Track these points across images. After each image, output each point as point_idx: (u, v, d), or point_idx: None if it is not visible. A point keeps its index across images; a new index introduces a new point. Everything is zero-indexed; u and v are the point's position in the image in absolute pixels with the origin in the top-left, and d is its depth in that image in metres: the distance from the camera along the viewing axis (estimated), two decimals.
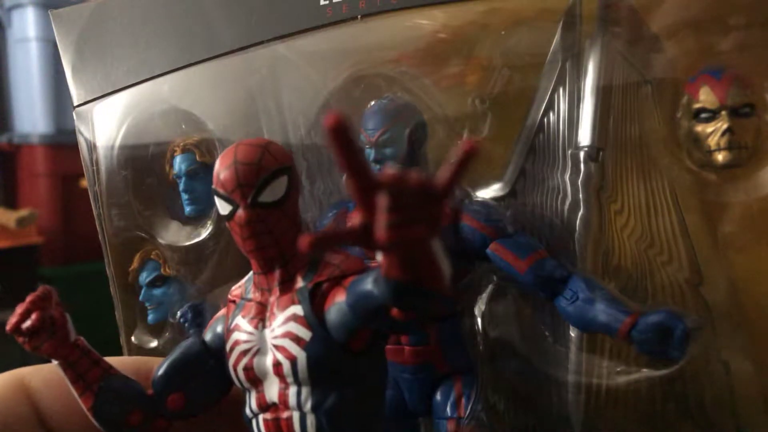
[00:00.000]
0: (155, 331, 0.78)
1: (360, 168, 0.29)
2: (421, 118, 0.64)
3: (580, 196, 0.61)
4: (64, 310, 0.46)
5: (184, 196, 0.75)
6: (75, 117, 0.79)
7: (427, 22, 0.64)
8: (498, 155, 0.64)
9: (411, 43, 0.66)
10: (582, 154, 0.61)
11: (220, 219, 0.47)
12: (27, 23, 2.50)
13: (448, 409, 0.62)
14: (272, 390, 0.46)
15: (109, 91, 0.77)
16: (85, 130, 0.79)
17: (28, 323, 0.44)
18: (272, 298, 0.47)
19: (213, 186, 0.47)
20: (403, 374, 0.63)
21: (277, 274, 0.47)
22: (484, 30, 0.63)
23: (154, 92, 0.75)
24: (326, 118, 0.27)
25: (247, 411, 0.48)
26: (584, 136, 0.61)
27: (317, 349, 0.44)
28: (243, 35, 0.70)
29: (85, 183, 0.81)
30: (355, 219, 0.30)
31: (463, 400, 0.61)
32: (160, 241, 0.77)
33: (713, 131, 0.58)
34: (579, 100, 0.61)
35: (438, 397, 0.63)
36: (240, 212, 0.46)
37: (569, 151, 0.62)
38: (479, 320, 0.64)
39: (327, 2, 0.66)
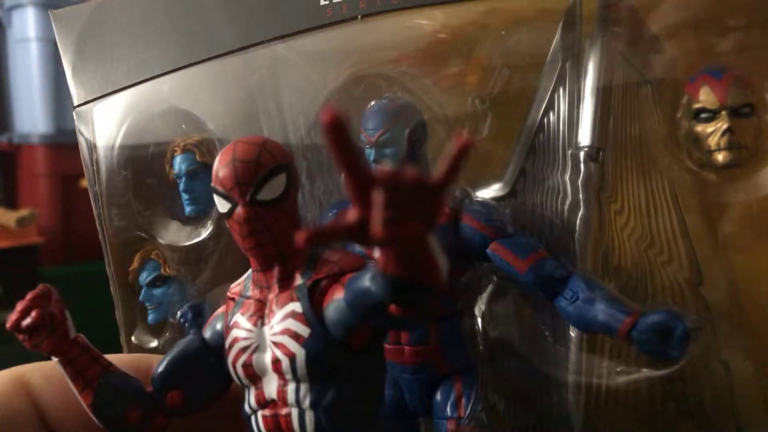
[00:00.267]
0: (155, 331, 0.78)
1: (356, 164, 0.29)
2: (421, 118, 0.64)
3: (580, 196, 0.61)
4: (63, 308, 0.47)
5: (184, 196, 0.75)
6: (75, 117, 0.79)
7: (427, 22, 0.64)
8: (498, 155, 0.64)
9: (411, 43, 0.66)
10: (582, 154, 0.61)
11: (220, 219, 0.48)
12: (27, 23, 2.50)
13: (448, 409, 0.62)
14: (271, 387, 0.46)
15: (109, 91, 0.77)
16: (85, 130, 0.79)
17: (27, 320, 0.44)
18: (271, 296, 0.47)
19: (212, 184, 0.47)
20: (403, 374, 0.63)
21: (275, 271, 0.47)
22: (484, 30, 0.63)
23: (154, 92, 0.75)
24: (323, 113, 0.28)
25: (246, 408, 0.48)
26: (584, 136, 0.61)
27: (316, 346, 0.44)
28: (243, 35, 0.70)
29: (85, 183, 0.81)
30: (351, 215, 0.30)
31: (463, 400, 0.62)
32: (160, 241, 0.77)
33: (713, 131, 0.58)
34: (579, 100, 0.61)
35: (438, 397, 0.63)
36: (239, 210, 0.46)
37: (569, 151, 0.62)
38: (479, 320, 0.64)
39: (327, 2, 0.66)
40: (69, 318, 0.47)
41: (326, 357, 0.44)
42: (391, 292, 0.36)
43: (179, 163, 0.75)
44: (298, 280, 0.46)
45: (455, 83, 0.65)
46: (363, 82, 0.67)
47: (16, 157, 2.55)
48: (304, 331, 0.44)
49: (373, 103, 0.65)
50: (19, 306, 0.45)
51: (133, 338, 0.79)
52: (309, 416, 0.45)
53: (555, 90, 0.62)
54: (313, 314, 0.45)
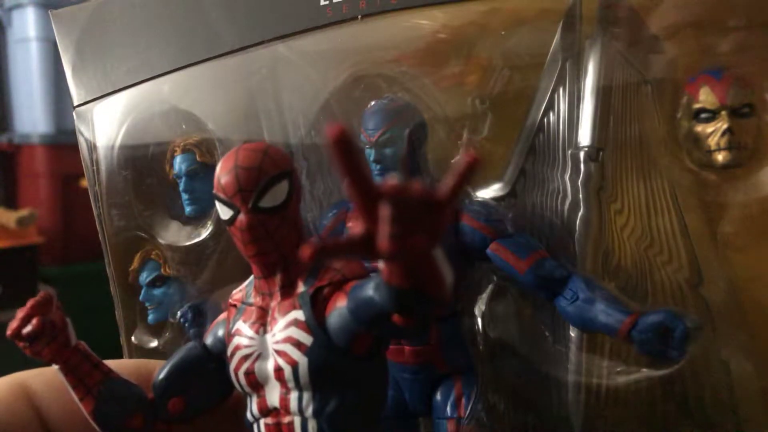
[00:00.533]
0: (155, 331, 0.78)
1: (362, 179, 0.29)
2: (421, 118, 0.64)
3: (580, 196, 0.61)
4: (64, 315, 0.47)
5: (185, 196, 0.75)
6: (75, 117, 0.79)
7: (427, 22, 0.64)
8: (498, 155, 0.64)
9: (411, 43, 0.66)
10: (582, 154, 0.61)
11: (221, 219, 0.47)
12: (27, 23, 2.50)
13: (448, 409, 0.62)
14: (273, 395, 0.46)
15: (109, 91, 0.77)
16: (85, 130, 0.79)
17: (28, 328, 0.44)
18: (273, 303, 0.47)
19: (214, 191, 0.47)
20: (404, 374, 0.63)
21: (278, 278, 0.47)
22: (484, 30, 0.63)
23: (154, 92, 0.75)
24: (329, 129, 0.27)
25: (249, 416, 0.48)
26: (584, 136, 0.61)
27: (318, 354, 0.44)
28: (243, 35, 0.70)
29: (85, 183, 0.81)
30: (356, 228, 0.30)
31: (463, 400, 0.62)
32: (160, 241, 0.77)
33: (713, 131, 0.58)
34: (579, 100, 0.61)
35: (438, 397, 0.63)
36: (241, 217, 0.45)
37: (569, 151, 0.62)
38: (479, 320, 0.64)
39: (327, 2, 0.66)
40: (70, 325, 0.47)
41: (329, 365, 0.44)
42: (395, 302, 0.36)
43: (179, 163, 0.75)
44: (301, 288, 0.46)
45: (455, 83, 0.65)
46: (363, 82, 0.67)
47: (16, 157, 2.54)
48: (306, 339, 0.44)
49: (373, 103, 0.65)
50: (20, 313, 0.45)
51: (133, 338, 0.79)
52: (312, 425, 0.45)
53: (555, 90, 0.62)
54: (316, 322, 0.44)
